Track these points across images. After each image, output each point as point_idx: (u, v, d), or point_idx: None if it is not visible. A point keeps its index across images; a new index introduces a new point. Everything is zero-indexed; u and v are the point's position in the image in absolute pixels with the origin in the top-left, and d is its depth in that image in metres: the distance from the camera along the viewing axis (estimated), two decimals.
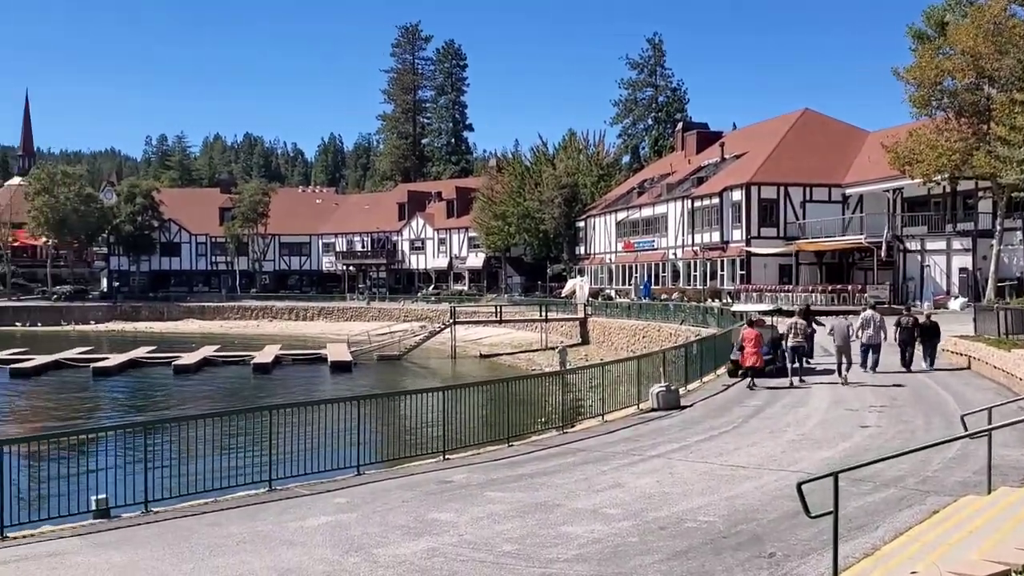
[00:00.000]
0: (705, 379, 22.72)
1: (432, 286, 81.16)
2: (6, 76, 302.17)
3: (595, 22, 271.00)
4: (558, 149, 74.32)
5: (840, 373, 21.01)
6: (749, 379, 21.03)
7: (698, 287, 50.36)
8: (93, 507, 11.46)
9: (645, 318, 44.08)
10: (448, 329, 51.80)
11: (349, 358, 46.77)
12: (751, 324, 22.00)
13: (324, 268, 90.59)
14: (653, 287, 53.60)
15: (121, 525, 10.94)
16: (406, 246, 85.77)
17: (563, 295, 57.32)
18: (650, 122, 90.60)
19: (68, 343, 57.36)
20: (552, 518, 10.14)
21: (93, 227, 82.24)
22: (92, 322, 75.41)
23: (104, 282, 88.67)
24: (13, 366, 43.38)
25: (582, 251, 67.59)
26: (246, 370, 44.75)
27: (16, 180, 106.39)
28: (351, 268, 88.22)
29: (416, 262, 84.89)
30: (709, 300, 45.62)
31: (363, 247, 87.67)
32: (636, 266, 58.69)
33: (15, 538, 10.61)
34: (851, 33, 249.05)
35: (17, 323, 74.45)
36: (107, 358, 46.74)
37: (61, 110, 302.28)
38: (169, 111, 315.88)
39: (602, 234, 64.17)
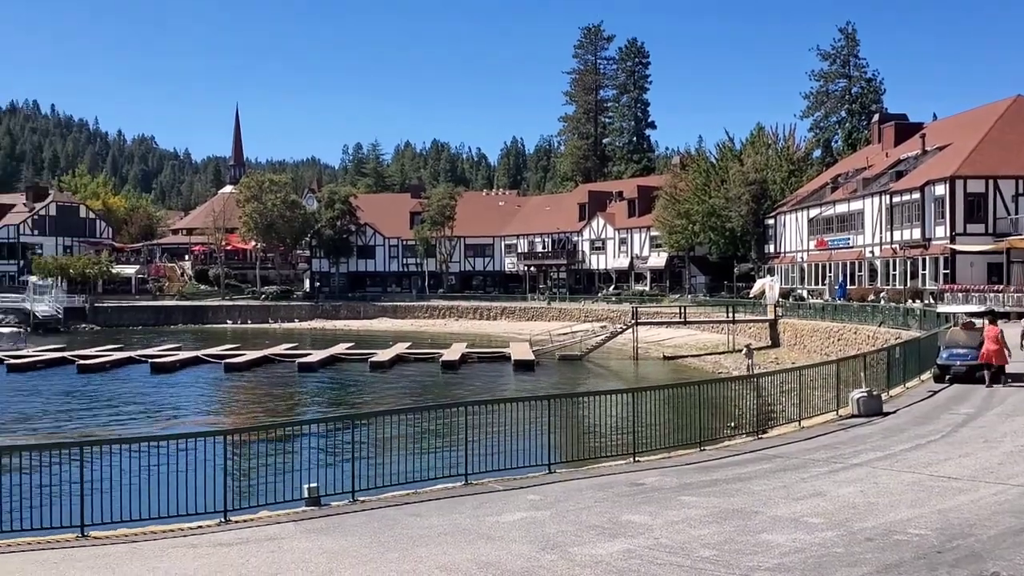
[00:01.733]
0: (908, 384, 21.50)
1: (613, 286, 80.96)
2: (220, 93, 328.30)
3: (782, 13, 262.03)
4: (745, 144, 72.29)
5: None
6: (986, 379, 20.08)
7: (897, 287, 47.57)
8: (305, 495, 12.22)
9: (840, 320, 42.12)
10: (630, 330, 51.47)
11: (532, 357, 47.40)
12: (992, 322, 20.97)
13: (506, 269, 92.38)
14: (848, 287, 51.13)
15: (331, 513, 11.59)
16: (586, 246, 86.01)
17: (751, 295, 55.69)
18: (843, 114, 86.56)
19: (274, 340, 61.46)
20: (751, 525, 9.89)
21: (297, 231, 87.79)
22: (296, 320, 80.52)
23: (307, 283, 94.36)
24: (228, 361, 46.91)
25: (771, 249, 65.40)
26: (435, 367, 46.31)
27: (228, 188, 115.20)
28: (532, 268, 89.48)
29: (596, 262, 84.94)
30: (910, 301, 43.02)
31: (544, 248, 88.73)
32: (830, 265, 56.19)
33: (236, 522, 11.46)
34: None
35: (228, 321, 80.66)
36: (310, 354, 49.63)
37: (268, 123, 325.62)
38: (364, 121, 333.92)
39: (793, 232, 61.85)
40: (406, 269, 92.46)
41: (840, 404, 18.11)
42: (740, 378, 22.41)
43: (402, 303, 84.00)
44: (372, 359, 47.15)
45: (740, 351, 42.59)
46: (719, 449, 15.30)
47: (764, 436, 16.61)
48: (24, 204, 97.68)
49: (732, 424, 17.39)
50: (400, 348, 52.57)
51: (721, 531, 9.66)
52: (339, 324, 78.10)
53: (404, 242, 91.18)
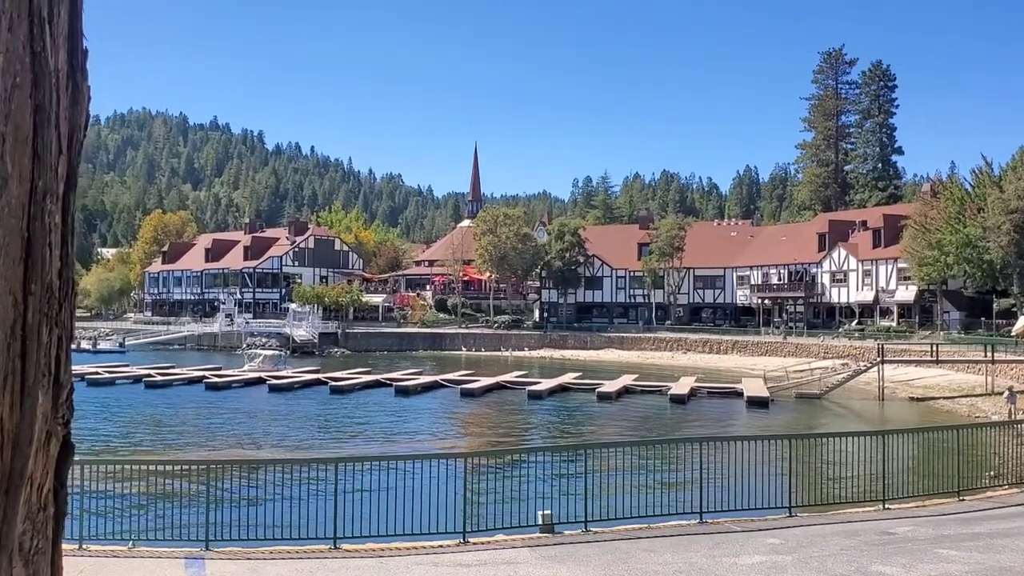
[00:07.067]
0: None
1: (855, 321, 76.47)
2: (460, 133, 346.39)
3: None
4: (1005, 170, 66.26)
5: None
6: None
7: None
8: (539, 521, 12.43)
9: None
10: (874, 368, 48.26)
11: (766, 394, 45.60)
12: None
13: (738, 301, 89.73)
14: None
15: (564, 541, 11.72)
16: (826, 278, 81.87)
17: (1013, 334, 50.70)
18: None
19: (505, 367, 63.22)
20: None
21: (528, 263, 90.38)
22: (525, 349, 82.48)
23: (536, 313, 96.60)
24: (463, 386, 48.76)
25: None
26: (662, 400, 45.66)
27: (466, 222, 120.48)
28: (766, 301, 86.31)
29: (837, 295, 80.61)
30: None
31: (779, 279, 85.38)
32: None
33: (475, 543, 11.85)
34: None
35: (463, 348, 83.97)
36: (539, 382, 50.55)
37: (503, 159, 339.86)
38: (593, 154, 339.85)
39: None
40: (633, 300, 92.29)
41: None
42: (1001, 424, 20.48)
43: (628, 334, 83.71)
44: (599, 389, 47.27)
45: (1001, 394, 38.93)
46: (980, 500, 14.02)
47: None
48: (286, 238, 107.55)
49: (991, 473, 15.90)
50: (627, 379, 52.36)
51: None
52: (566, 353, 79.11)
53: (631, 273, 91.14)
